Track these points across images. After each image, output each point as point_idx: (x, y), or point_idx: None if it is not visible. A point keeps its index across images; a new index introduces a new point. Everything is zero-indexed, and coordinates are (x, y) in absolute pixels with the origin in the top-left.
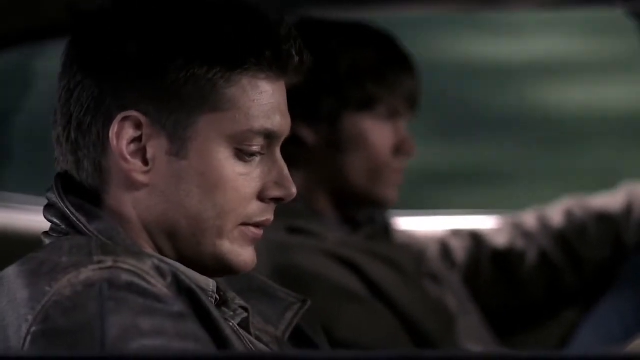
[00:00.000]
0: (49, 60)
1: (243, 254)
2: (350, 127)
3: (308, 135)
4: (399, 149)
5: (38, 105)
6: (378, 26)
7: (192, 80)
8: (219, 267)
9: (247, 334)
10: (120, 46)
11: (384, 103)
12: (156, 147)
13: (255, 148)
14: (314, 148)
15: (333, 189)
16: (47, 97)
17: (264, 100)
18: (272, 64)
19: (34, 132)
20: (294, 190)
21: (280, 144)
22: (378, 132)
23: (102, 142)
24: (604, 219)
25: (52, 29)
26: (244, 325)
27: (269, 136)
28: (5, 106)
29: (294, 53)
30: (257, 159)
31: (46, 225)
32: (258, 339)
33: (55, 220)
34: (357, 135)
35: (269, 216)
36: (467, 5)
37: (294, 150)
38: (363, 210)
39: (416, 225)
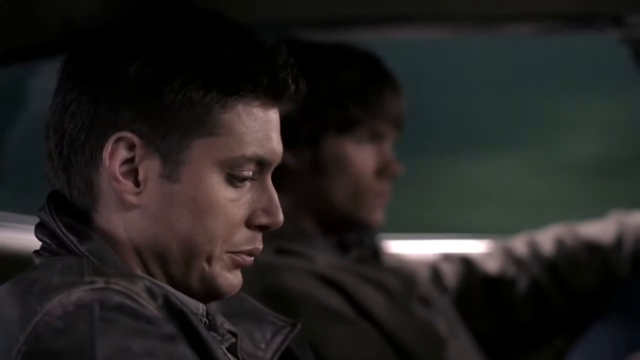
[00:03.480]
0: (44, 79)
1: (230, 278)
2: (331, 150)
3: (290, 158)
4: (382, 171)
5: (32, 124)
6: (361, 47)
7: (188, 104)
8: (206, 291)
9: (235, 359)
10: (118, 65)
11: (365, 125)
12: (148, 169)
13: (246, 173)
14: (296, 171)
15: (318, 212)
16: (41, 116)
17: (258, 127)
18: (268, 91)
19: (27, 151)
20: (281, 218)
21: (271, 171)
22: (360, 155)
23: (95, 161)
24: (594, 248)
25: (47, 47)
26: (232, 350)
27: (260, 163)
28: None
29: (290, 81)
30: (248, 184)
31: (36, 244)
32: None
33: (46, 239)
34: (339, 158)
35: (258, 245)
36: (461, 30)
37: (277, 173)
38: (350, 233)
39: (406, 248)
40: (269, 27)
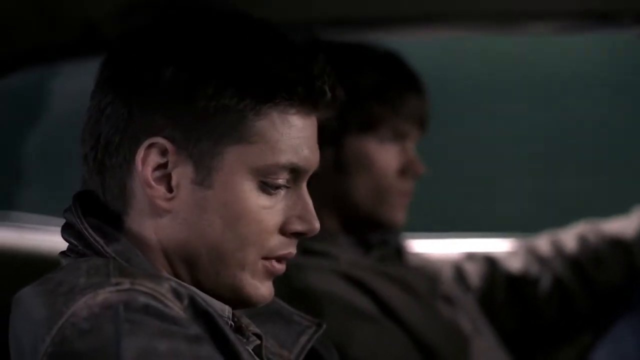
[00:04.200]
0: (65, 80)
1: (261, 288)
2: (354, 149)
3: None
4: (405, 171)
5: (52, 125)
6: (383, 46)
7: (222, 111)
8: (235, 299)
9: None
10: (153, 70)
11: (388, 124)
12: (181, 175)
13: (280, 181)
14: (319, 170)
15: (341, 211)
16: (62, 117)
17: (293, 135)
18: (304, 99)
19: (48, 152)
20: (317, 225)
21: (306, 178)
22: (382, 154)
23: (128, 165)
24: (617, 244)
25: (68, 48)
26: (257, 352)
27: (295, 170)
28: (20, 126)
29: (326, 89)
30: (282, 192)
31: (59, 245)
32: None
33: (72, 240)
34: (361, 157)
35: (292, 249)
36: (482, 29)
37: None
38: (373, 232)
39: (430, 247)
40: (290, 27)
